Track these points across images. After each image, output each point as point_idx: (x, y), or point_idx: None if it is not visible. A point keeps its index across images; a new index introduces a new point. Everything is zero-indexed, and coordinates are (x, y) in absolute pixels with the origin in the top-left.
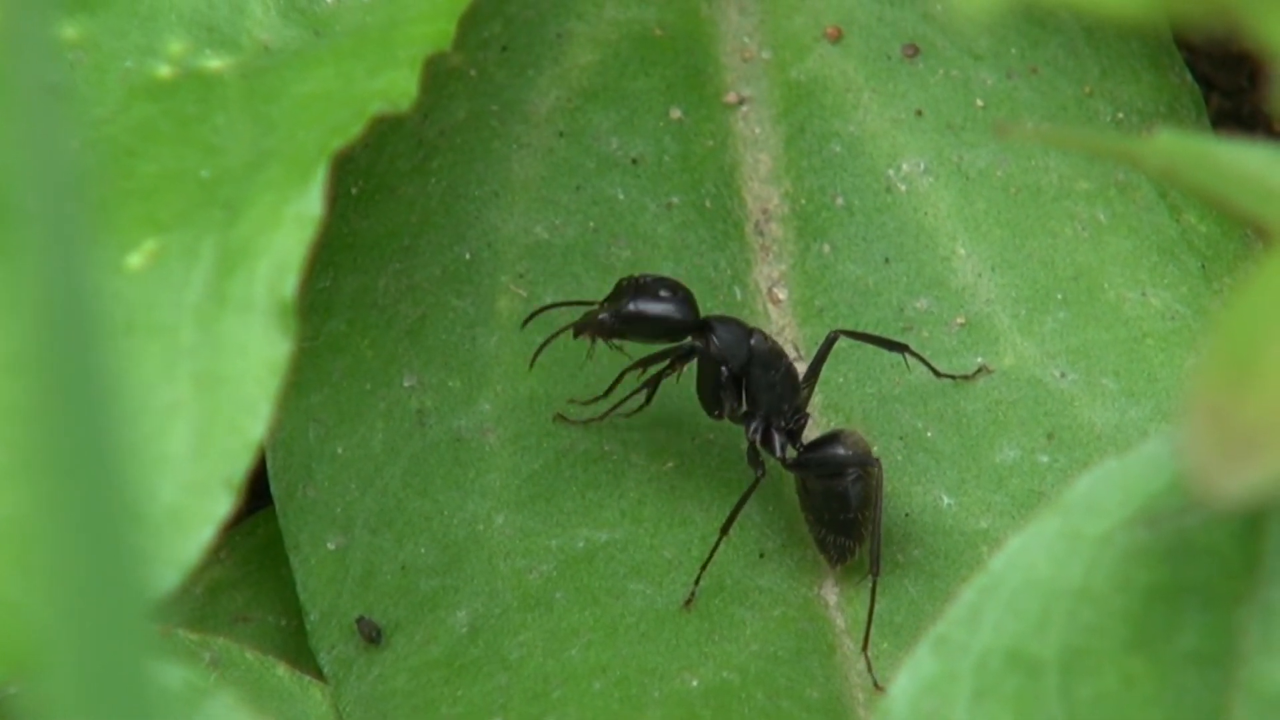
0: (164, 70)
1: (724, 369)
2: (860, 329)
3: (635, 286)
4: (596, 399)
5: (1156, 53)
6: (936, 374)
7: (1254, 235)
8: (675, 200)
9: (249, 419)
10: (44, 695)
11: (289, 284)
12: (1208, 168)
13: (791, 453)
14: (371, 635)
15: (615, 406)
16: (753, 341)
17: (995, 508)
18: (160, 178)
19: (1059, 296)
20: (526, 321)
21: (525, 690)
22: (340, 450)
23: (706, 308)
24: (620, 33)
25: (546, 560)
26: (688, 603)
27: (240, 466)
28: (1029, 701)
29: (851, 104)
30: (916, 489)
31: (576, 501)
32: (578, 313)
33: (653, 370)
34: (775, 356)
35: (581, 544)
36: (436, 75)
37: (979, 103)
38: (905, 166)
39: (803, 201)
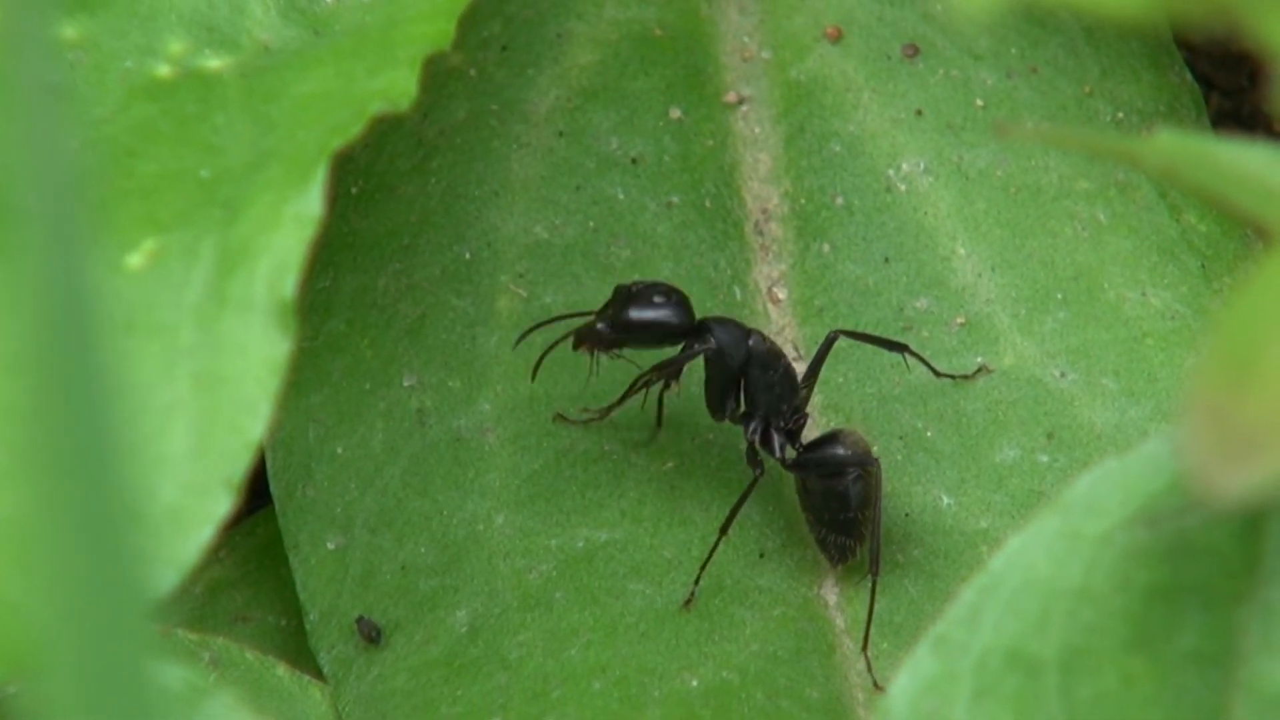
0: (164, 70)
1: (724, 369)
2: (860, 329)
3: (629, 295)
4: (608, 408)
5: (1156, 52)
6: (936, 374)
7: (1254, 235)
8: (675, 200)
9: (249, 419)
10: (44, 695)
11: (289, 284)
12: (1208, 167)
13: (791, 453)
14: (371, 635)
15: (614, 406)
16: (750, 342)
17: (995, 508)
18: (160, 177)
19: (1059, 296)
20: (519, 340)
21: (525, 690)
22: (340, 450)
23: (706, 307)
24: (620, 32)
25: (546, 560)
26: (687, 602)
27: (240, 466)
28: (1029, 701)
29: (851, 104)
30: (916, 489)
31: (576, 501)
32: (559, 308)
33: (654, 384)
34: (773, 357)
35: (581, 544)
36: (436, 75)
37: (979, 102)
38: (905, 166)
39: (802, 201)
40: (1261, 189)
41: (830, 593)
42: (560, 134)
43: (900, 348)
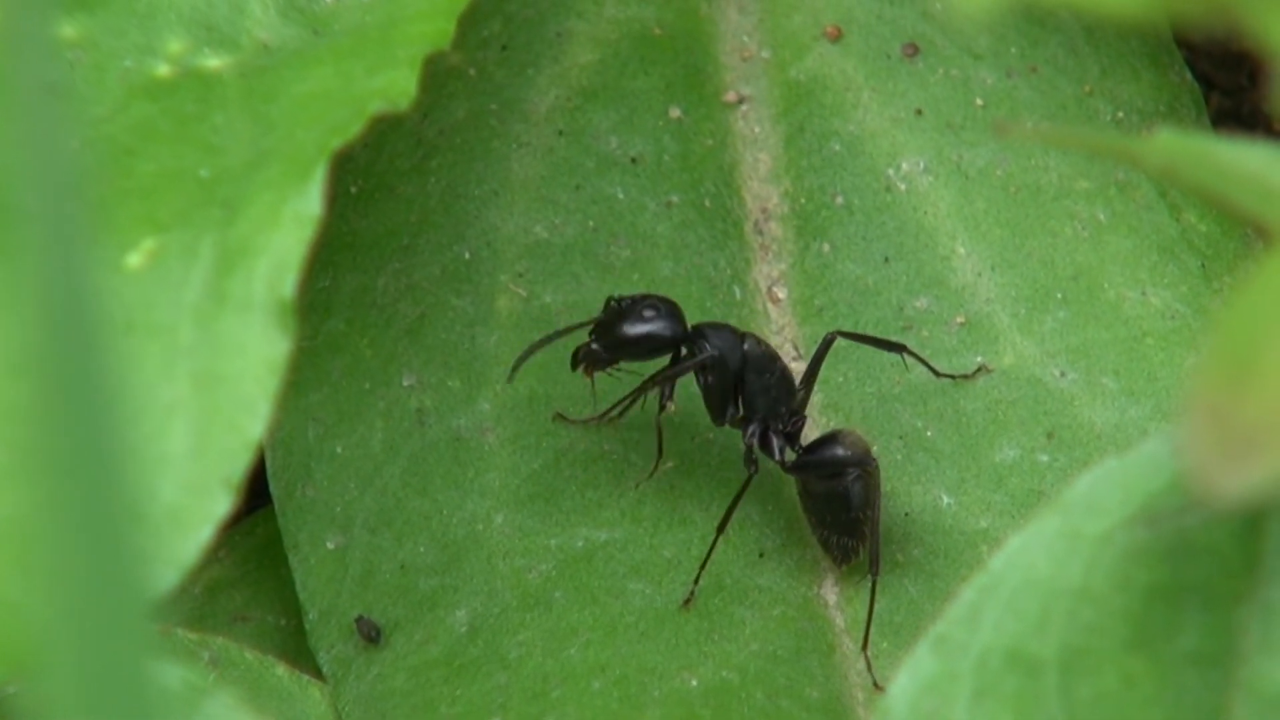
0: (163, 69)
1: (720, 376)
2: (860, 328)
3: (619, 311)
4: (605, 413)
5: (1156, 52)
6: (936, 374)
7: (1254, 235)
8: (675, 199)
9: (248, 418)
10: (44, 695)
11: (288, 283)
12: (1208, 167)
13: (790, 455)
14: (370, 635)
15: (613, 407)
16: (746, 346)
17: (995, 507)
18: (159, 177)
19: (1059, 296)
20: (513, 372)
21: (524, 690)
22: (339, 449)
23: (706, 307)
24: (620, 32)
25: (546, 559)
26: (687, 602)
27: (239, 466)
28: (1029, 701)
29: (851, 103)
30: (916, 488)
31: (576, 501)
32: (565, 313)
33: (650, 391)
34: (769, 360)
35: (581, 543)
36: (436, 74)
37: (979, 102)
38: (905, 165)
39: (802, 200)
40: (1261, 189)
41: (830, 592)
42: (560, 133)
43: (899, 348)
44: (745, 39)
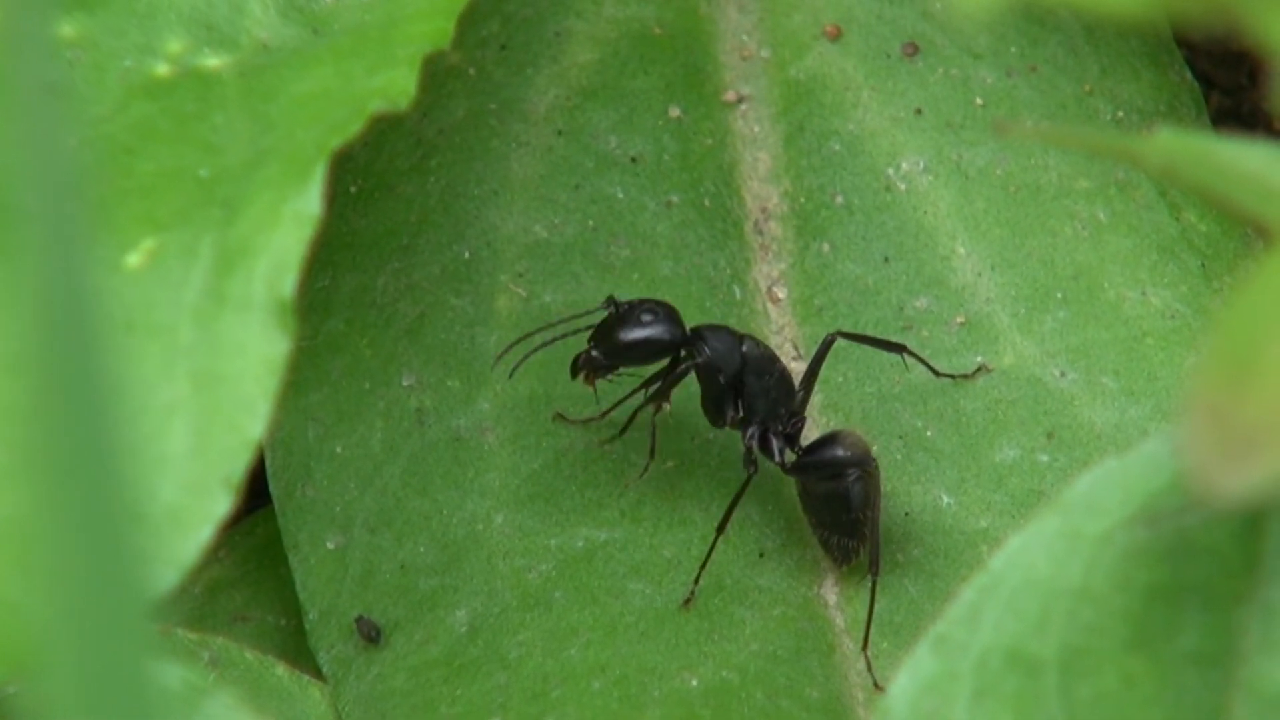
0: (162, 69)
1: (719, 378)
2: (860, 328)
3: (617, 317)
4: (605, 413)
5: (1156, 51)
6: (936, 373)
7: (1254, 235)
8: (674, 199)
9: (248, 418)
10: (44, 695)
11: (288, 283)
12: (1208, 166)
13: (790, 456)
14: (370, 635)
15: (613, 408)
16: (744, 348)
17: (995, 507)
18: (159, 176)
19: (1059, 295)
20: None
21: (524, 690)
22: (339, 449)
23: (705, 307)
24: (619, 31)
25: (546, 559)
26: (687, 602)
27: (239, 465)
28: (1029, 701)
29: (851, 102)
30: (916, 488)
31: (576, 501)
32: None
33: (647, 402)
34: (768, 362)
35: (581, 543)
36: (435, 74)
37: (978, 101)
38: (905, 165)
39: (802, 200)
40: (1261, 188)
41: (830, 592)
42: (559, 133)
43: (898, 348)
44: (745, 38)
